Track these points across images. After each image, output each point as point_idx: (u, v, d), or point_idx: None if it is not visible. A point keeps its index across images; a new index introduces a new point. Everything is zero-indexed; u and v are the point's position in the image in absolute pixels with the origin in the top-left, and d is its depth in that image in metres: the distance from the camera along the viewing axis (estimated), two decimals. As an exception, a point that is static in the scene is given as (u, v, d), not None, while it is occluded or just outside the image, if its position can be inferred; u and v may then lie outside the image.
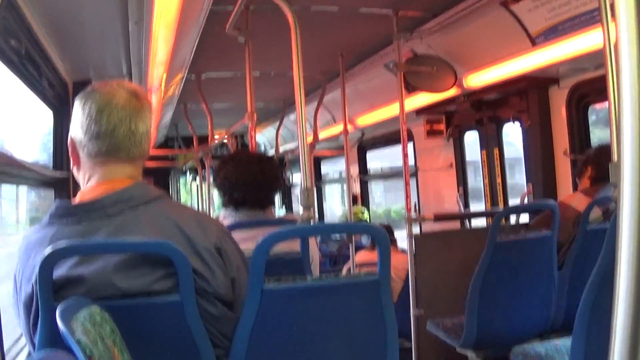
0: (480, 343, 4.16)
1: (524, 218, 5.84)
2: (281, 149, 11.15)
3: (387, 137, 9.63)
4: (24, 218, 4.96)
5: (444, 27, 5.47)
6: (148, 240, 2.07)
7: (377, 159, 12.13)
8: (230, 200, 3.76)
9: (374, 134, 9.90)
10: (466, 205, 7.67)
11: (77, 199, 2.23)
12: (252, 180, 3.71)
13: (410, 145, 8.30)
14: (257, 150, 6.29)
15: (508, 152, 7.03)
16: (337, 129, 8.67)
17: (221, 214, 3.92)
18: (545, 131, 6.07)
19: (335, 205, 14.94)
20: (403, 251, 6.84)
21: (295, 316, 2.27)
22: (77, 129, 2.25)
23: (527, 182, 6.43)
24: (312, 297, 2.30)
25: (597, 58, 4.87)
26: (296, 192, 14.61)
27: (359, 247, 7.42)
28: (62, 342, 1.64)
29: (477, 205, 7.78)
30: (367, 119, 8.87)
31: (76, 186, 2.42)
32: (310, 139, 8.45)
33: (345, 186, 8.40)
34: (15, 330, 3.40)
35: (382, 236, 2.37)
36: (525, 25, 5.18)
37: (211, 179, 10.38)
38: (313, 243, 3.79)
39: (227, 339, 2.22)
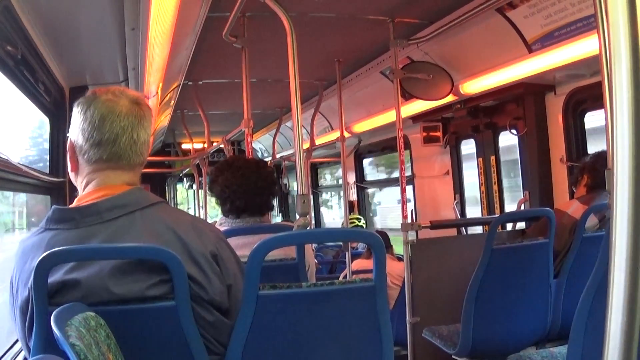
0: (476, 351, 4.16)
1: (520, 225, 5.84)
2: (278, 156, 11.16)
3: (384, 144, 9.64)
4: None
5: (441, 34, 5.47)
6: (144, 245, 2.07)
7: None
8: (232, 208, 3.73)
9: (371, 141, 9.90)
10: (463, 213, 7.67)
11: (74, 205, 2.23)
12: (253, 187, 3.69)
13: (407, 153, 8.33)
14: (254, 156, 6.26)
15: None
16: (334, 135, 8.67)
17: (218, 221, 3.91)
18: (542, 138, 6.07)
19: (335, 215, 14.85)
20: (399, 259, 6.84)
21: (290, 322, 2.27)
22: (78, 134, 2.25)
23: (523, 189, 6.43)
24: (307, 303, 2.30)
25: (593, 64, 4.89)
26: (293, 199, 14.62)
27: (355, 255, 7.41)
28: (57, 347, 1.64)
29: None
30: (363, 126, 8.87)
31: (72, 192, 2.42)
32: (306, 145, 8.46)
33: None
34: (11, 335, 3.40)
35: (378, 242, 2.36)
36: (522, 32, 5.19)
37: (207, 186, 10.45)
38: (309, 250, 3.79)
39: (222, 345, 2.21)
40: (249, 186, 3.68)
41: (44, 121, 4.74)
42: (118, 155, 2.24)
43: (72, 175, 2.36)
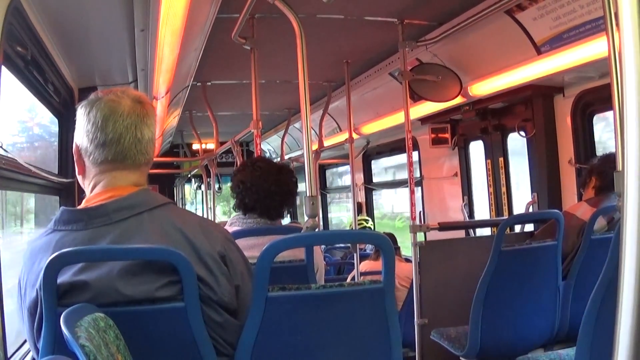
0: (484, 353, 4.16)
1: (529, 227, 5.83)
2: (286, 157, 11.15)
3: (392, 145, 9.63)
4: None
5: (449, 35, 5.47)
6: (153, 246, 2.07)
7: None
8: (240, 204, 3.76)
9: (379, 142, 9.90)
10: (471, 214, 7.66)
11: (82, 206, 2.23)
12: (266, 189, 3.69)
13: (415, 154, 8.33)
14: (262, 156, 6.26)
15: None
16: (343, 137, 8.67)
17: (228, 221, 3.92)
18: (550, 140, 6.06)
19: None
20: (407, 260, 6.84)
21: (299, 324, 2.27)
22: (83, 136, 2.25)
23: (532, 191, 6.42)
24: (316, 304, 2.30)
25: (601, 66, 4.88)
26: (301, 200, 14.62)
27: (363, 256, 7.41)
28: (66, 347, 1.64)
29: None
30: (372, 127, 8.86)
31: (81, 192, 2.42)
32: (315, 147, 8.46)
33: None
34: (19, 336, 3.40)
35: (387, 244, 2.36)
36: (531, 34, 5.18)
37: (216, 187, 10.48)
38: (318, 251, 3.79)
39: (231, 346, 2.22)
40: (261, 187, 3.69)
41: (35, 105, 4.69)
42: (123, 154, 2.24)
43: (79, 178, 2.37)
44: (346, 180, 12.93)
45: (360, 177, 10.88)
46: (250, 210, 3.73)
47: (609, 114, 5.69)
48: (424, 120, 7.63)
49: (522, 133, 6.37)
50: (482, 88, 6.18)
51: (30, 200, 5.03)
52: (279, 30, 4.87)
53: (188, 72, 6.09)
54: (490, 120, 6.86)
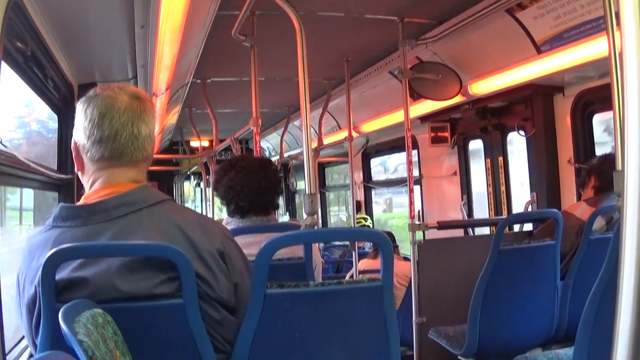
0: (482, 352, 4.15)
1: (528, 227, 5.83)
2: (285, 155, 11.15)
3: (392, 144, 9.62)
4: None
5: (450, 34, 5.46)
6: (151, 243, 2.07)
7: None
8: (236, 209, 3.72)
9: (379, 140, 9.89)
10: (470, 213, 7.66)
11: (81, 203, 2.23)
12: (257, 187, 3.68)
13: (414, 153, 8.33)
14: (262, 155, 6.25)
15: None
16: (342, 135, 8.66)
17: (224, 220, 3.90)
18: (550, 139, 6.06)
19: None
20: (406, 258, 6.84)
21: (297, 321, 2.27)
22: (80, 133, 2.25)
23: (531, 190, 6.41)
24: (314, 302, 2.30)
25: (602, 66, 4.88)
26: (300, 198, 14.64)
27: (362, 255, 7.40)
28: (64, 343, 1.64)
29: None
30: (371, 126, 8.85)
31: (80, 189, 2.42)
32: (314, 145, 8.45)
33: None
34: (17, 332, 3.40)
35: (385, 242, 2.36)
36: (531, 33, 5.17)
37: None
38: (315, 249, 3.78)
39: (229, 343, 2.21)
40: (252, 187, 3.66)
41: (33, 100, 4.67)
42: (120, 151, 2.23)
43: (79, 174, 2.36)
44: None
45: (359, 176, 10.87)
46: (247, 212, 3.71)
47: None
48: (424, 118, 7.62)
49: (522, 132, 6.38)
50: (482, 87, 6.18)
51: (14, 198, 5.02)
52: (279, 28, 4.85)
53: (188, 69, 6.08)
54: (490, 119, 6.86)
